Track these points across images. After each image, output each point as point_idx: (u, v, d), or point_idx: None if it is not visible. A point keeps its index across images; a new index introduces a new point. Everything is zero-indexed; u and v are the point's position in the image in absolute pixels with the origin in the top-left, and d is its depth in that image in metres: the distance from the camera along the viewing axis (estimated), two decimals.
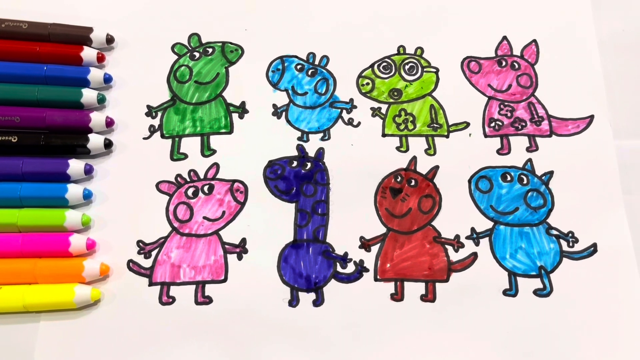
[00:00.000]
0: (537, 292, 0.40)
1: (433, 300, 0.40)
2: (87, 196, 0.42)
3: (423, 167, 0.44)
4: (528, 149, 0.44)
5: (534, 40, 0.48)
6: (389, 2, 0.49)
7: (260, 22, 0.49)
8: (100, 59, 0.46)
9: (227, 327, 0.39)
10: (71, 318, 0.39)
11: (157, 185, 0.43)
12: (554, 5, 0.49)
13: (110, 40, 0.47)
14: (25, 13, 0.47)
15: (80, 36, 0.46)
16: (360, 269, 0.41)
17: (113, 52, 0.48)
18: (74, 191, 0.41)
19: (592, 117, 0.45)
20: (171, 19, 0.49)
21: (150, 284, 0.40)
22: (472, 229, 0.42)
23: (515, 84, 0.47)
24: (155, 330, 0.39)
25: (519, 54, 0.48)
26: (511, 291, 0.40)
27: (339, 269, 0.41)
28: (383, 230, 0.42)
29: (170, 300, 0.40)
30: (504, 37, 0.48)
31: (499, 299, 0.39)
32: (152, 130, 0.45)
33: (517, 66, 0.47)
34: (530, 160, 0.44)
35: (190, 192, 0.43)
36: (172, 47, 0.48)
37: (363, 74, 0.47)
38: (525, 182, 0.43)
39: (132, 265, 0.41)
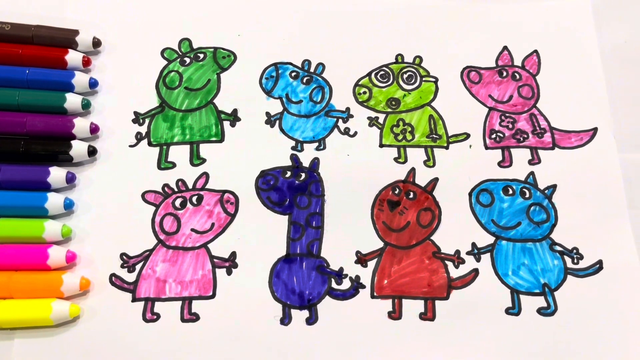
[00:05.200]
0: (541, 311, 0.38)
1: (432, 318, 0.38)
2: (69, 206, 0.40)
3: (422, 179, 0.42)
4: (530, 162, 0.43)
5: (535, 51, 0.47)
6: (388, 10, 0.48)
7: (253, 27, 0.47)
8: (86, 62, 0.45)
9: (215, 346, 0.37)
10: (48, 336, 0.37)
11: (143, 195, 0.41)
12: (556, 16, 0.48)
13: (96, 43, 0.46)
14: (9, 14, 0.45)
15: (65, 39, 0.45)
16: (356, 285, 0.39)
17: (99, 56, 0.46)
18: (54, 200, 0.39)
19: (595, 129, 0.44)
20: (161, 23, 0.47)
21: (134, 299, 0.38)
22: (473, 244, 0.40)
23: (517, 95, 0.45)
24: (138, 349, 0.37)
25: (520, 65, 0.46)
26: (514, 310, 0.38)
27: (333, 285, 0.39)
28: (380, 244, 0.40)
29: (155, 317, 0.38)
30: (505, 47, 0.47)
31: (502, 317, 0.38)
32: (139, 137, 0.43)
33: (518, 77, 0.46)
34: (532, 173, 0.42)
35: (177, 202, 0.41)
36: (162, 52, 0.46)
37: (360, 83, 0.46)
38: (527, 195, 0.42)
39: (114, 280, 0.39)
